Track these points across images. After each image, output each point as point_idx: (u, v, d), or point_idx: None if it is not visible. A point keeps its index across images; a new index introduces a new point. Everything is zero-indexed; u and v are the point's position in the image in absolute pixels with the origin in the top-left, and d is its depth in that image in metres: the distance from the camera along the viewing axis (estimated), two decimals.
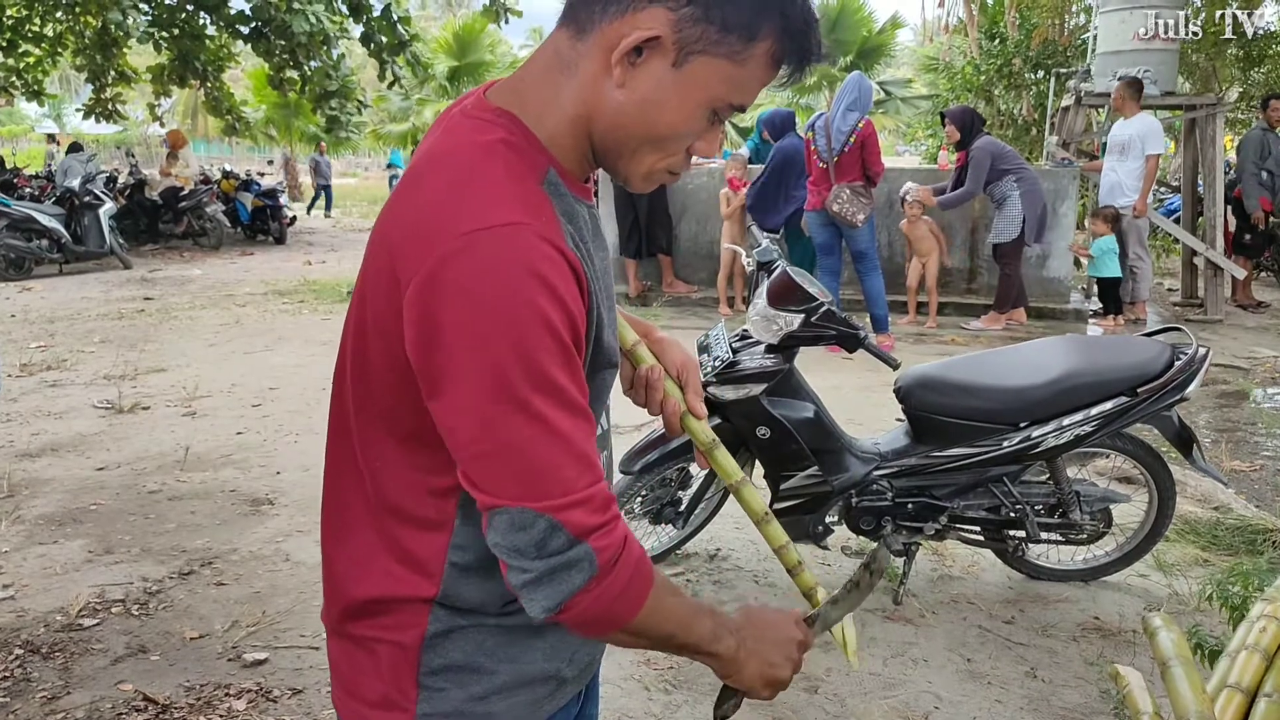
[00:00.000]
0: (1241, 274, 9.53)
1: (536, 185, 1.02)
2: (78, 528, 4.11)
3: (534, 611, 1.00)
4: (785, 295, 3.29)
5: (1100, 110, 11.07)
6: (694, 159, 1.17)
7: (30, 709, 2.81)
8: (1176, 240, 10.40)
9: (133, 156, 17.09)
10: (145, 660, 3.09)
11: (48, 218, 11.66)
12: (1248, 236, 9.83)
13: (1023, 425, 3.31)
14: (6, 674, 2.98)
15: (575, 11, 1.04)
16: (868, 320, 7.40)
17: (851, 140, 7.02)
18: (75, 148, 14.20)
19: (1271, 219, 9.74)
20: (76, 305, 9.72)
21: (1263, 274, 11.03)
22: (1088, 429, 3.28)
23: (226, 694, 2.90)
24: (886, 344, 7.17)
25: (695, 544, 3.90)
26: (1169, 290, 10.68)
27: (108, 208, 12.31)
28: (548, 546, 0.97)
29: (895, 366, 3.30)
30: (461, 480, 1.00)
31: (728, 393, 3.30)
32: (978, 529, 3.52)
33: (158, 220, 14.87)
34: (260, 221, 15.65)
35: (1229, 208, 9.79)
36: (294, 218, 16.88)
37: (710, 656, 1.14)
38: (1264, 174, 9.45)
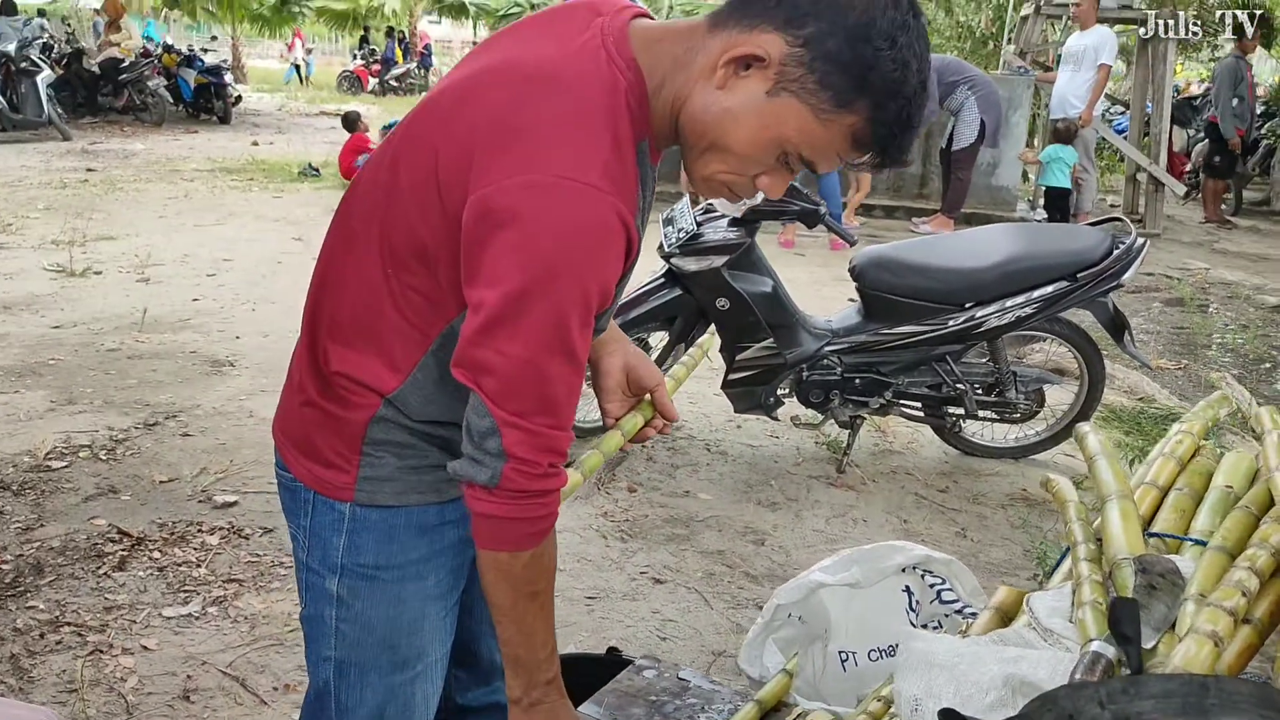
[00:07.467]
0: (1182, 190, 9.88)
1: (633, 152, 1.10)
2: (38, 379, 4.13)
3: (451, 467, 1.15)
4: None
5: (1056, 24, 11.13)
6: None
7: (6, 538, 2.89)
8: (1122, 159, 10.62)
9: (68, 24, 16.37)
10: (116, 499, 3.18)
11: None
12: (1217, 159, 10.50)
13: (968, 306, 3.48)
14: None
15: (723, 9, 1.10)
16: None
17: None
18: (8, 9, 13.53)
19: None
20: (16, 173, 9.44)
21: (1228, 195, 11.52)
22: (1028, 310, 3.46)
23: (199, 530, 3.00)
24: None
25: None
26: (1111, 206, 10.94)
27: (46, 75, 11.83)
28: (485, 443, 1.10)
29: (853, 243, 3.43)
30: (459, 350, 1.10)
31: (690, 264, 3.41)
32: (919, 405, 3.71)
33: (96, 93, 14.29)
34: (204, 100, 15.17)
35: (1203, 132, 10.22)
36: (239, 97, 16.39)
37: (525, 680, 1.21)
38: (1235, 101, 10.04)
